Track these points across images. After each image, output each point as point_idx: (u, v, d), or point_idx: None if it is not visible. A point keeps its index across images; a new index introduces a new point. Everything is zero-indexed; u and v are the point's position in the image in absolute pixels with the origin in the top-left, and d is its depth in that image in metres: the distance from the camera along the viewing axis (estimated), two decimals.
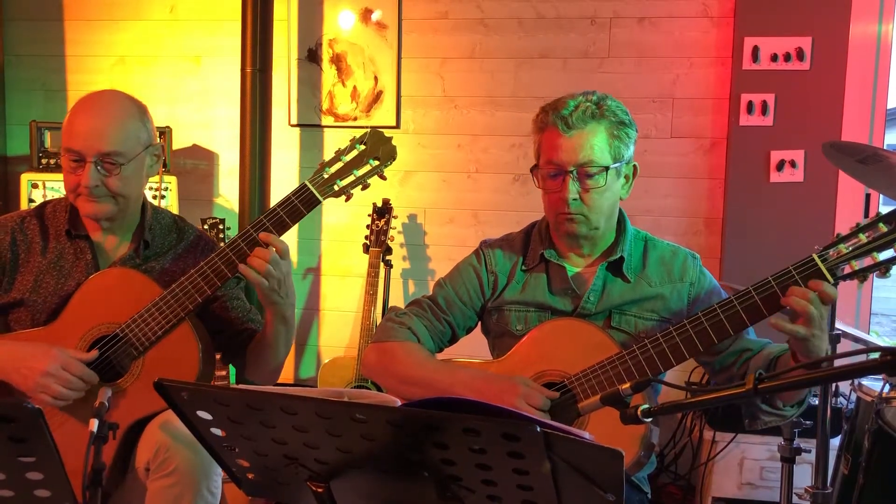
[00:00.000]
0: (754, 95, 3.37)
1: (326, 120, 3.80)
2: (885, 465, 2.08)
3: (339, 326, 3.88)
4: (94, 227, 2.02)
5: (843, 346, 2.30)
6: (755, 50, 3.35)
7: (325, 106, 3.79)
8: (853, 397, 2.46)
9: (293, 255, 3.79)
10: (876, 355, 1.08)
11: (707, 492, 3.16)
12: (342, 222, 3.83)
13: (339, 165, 1.90)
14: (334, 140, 3.81)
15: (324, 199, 1.89)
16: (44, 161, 3.57)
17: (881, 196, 3.29)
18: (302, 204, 1.88)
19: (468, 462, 1.11)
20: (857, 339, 2.36)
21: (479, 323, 2.06)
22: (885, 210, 1.58)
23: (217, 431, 1.27)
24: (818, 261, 1.61)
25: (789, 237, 3.33)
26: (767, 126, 3.38)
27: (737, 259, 3.44)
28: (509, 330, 1.95)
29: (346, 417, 1.13)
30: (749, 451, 3.09)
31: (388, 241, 3.46)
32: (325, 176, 1.89)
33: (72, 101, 3.88)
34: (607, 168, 1.83)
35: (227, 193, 3.89)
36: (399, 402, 1.22)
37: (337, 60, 3.77)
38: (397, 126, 3.73)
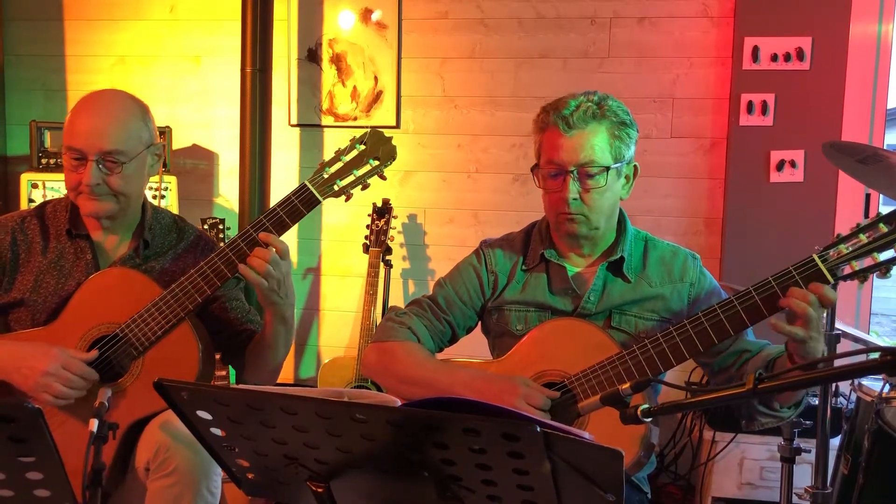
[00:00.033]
0: (754, 95, 3.36)
1: (326, 120, 3.80)
2: (885, 465, 2.07)
3: (339, 326, 3.88)
4: (94, 226, 2.02)
5: (843, 346, 2.30)
6: (755, 50, 3.35)
7: (325, 106, 3.79)
8: (853, 397, 2.46)
9: (293, 255, 3.79)
10: (876, 355, 1.09)
11: (707, 492, 3.16)
12: (342, 222, 3.83)
13: (338, 165, 1.90)
14: (334, 140, 3.81)
15: (324, 199, 1.89)
16: (44, 161, 3.56)
17: (881, 196, 3.28)
18: (302, 204, 1.88)
19: (468, 462, 1.11)
20: (856, 339, 2.36)
21: (479, 323, 2.06)
22: (885, 210, 1.58)
23: (217, 431, 1.27)
24: (818, 261, 1.61)
25: (789, 237, 3.33)
26: (767, 126, 3.38)
27: (737, 259, 3.44)
28: (509, 330, 1.95)
29: (346, 417, 1.13)
30: (749, 451, 3.09)
31: (388, 241, 3.45)
32: (325, 176, 1.89)
33: (72, 101, 3.90)
34: (608, 168, 1.83)
35: (227, 193, 3.89)
36: (399, 402, 1.21)
37: (337, 60, 3.77)
38: (397, 126, 3.73)
